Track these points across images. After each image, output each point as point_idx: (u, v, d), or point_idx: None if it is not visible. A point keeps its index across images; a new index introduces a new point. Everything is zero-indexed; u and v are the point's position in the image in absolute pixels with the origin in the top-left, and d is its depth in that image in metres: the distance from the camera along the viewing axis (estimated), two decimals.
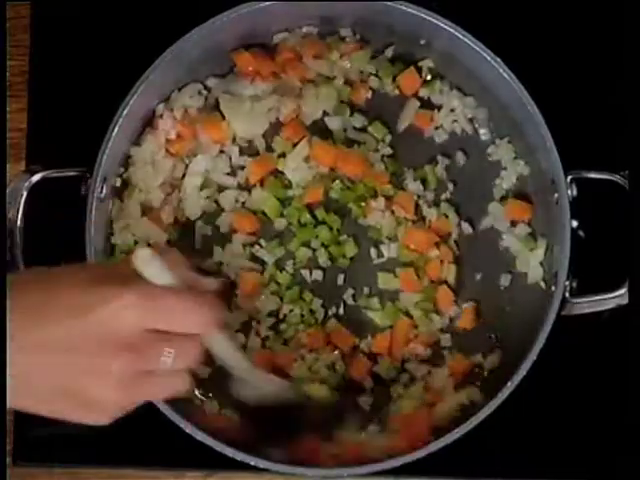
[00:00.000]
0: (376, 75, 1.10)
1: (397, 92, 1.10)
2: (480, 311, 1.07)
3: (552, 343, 0.98)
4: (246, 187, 1.09)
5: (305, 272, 1.08)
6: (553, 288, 1.01)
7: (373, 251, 1.08)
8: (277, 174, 1.09)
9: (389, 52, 1.10)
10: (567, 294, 1.00)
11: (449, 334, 1.07)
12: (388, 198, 1.08)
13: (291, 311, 1.07)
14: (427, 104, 1.10)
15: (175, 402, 0.99)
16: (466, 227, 1.08)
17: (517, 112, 1.05)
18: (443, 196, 1.09)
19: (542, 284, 1.05)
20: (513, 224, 1.08)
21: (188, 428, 0.98)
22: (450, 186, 1.09)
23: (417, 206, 1.08)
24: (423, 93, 1.10)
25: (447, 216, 1.08)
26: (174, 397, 0.85)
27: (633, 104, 0.94)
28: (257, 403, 0.94)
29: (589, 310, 1.01)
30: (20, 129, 1.12)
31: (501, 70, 1.03)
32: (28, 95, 1.13)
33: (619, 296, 0.99)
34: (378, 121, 1.10)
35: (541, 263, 1.06)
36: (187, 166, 1.09)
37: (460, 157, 1.09)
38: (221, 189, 1.09)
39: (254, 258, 1.08)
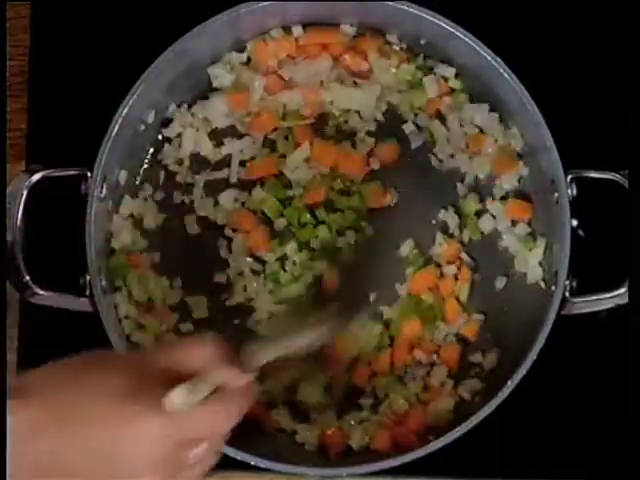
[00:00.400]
0: None
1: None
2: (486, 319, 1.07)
3: (552, 343, 0.98)
4: (246, 187, 1.09)
5: (306, 272, 1.08)
6: (553, 288, 1.01)
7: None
8: (277, 174, 1.09)
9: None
10: (567, 294, 1.00)
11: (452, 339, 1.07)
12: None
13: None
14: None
15: None
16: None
17: (517, 112, 1.05)
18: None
19: (542, 284, 1.05)
20: (513, 224, 1.08)
21: None
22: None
23: None
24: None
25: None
26: None
27: (633, 104, 0.94)
28: None
29: (589, 309, 1.01)
30: (20, 129, 1.12)
31: (501, 70, 1.03)
32: (28, 95, 1.13)
33: (619, 295, 0.99)
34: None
35: (540, 263, 1.06)
36: None
37: None
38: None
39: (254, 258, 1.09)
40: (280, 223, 1.08)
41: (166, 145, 1.10)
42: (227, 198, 1.09)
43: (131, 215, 1.08)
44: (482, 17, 1.08)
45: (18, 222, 1.00)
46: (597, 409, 1.06)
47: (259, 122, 1.09)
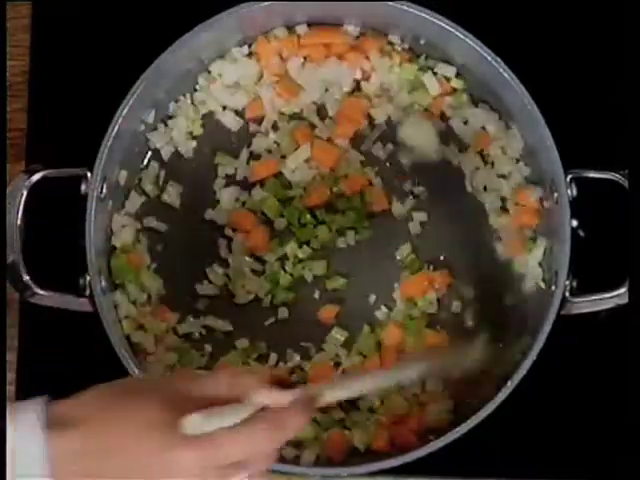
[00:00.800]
0: None
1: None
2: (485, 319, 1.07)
3: (552, 343, 0.98)
4: (246, 187, 1.09)
5: (307, 273, 1.08)
6: (553, 288, 1.01)
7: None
8: (278, 174, 1.09)
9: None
10: (567, 294, 1.00)
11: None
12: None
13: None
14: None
15: None
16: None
17: (517, 112, 1.05)
18: None
19: (542, 284, 1.05)
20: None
21: None
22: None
23: None
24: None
25: None
26: None
27: (633, 104, 0.94)
28: None
29: (589, 309, 1.01)
30: (20, 129, 1.12)
31: (501, 70, 1.03)
32: (28, 95, 1.13)
33: (619, 295, 0.99)
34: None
35: (540, 263, 1.06)
36: None
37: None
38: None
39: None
40: (280, 223, 1.08)
41: (165, 146, 1.10)
42: (227, 198, 1.09)
43: (135, 213, 1.08)
44: (482, 17, 1.08)
45: (18, 222, 1.00)
46: (597, 409, 1.06)
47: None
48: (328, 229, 1.08)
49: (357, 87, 1.10)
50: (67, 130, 1.11)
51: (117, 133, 1.03)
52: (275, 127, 1.10)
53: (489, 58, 1.03)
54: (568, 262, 0.99)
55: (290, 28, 1.09)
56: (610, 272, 1.00)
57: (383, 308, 1.07)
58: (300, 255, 1.08)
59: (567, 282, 0.99)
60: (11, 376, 1.06)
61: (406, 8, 1.04)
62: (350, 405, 1.05)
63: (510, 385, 0.98)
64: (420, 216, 1.09)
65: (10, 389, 1.06)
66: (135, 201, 1.09)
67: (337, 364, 1.06)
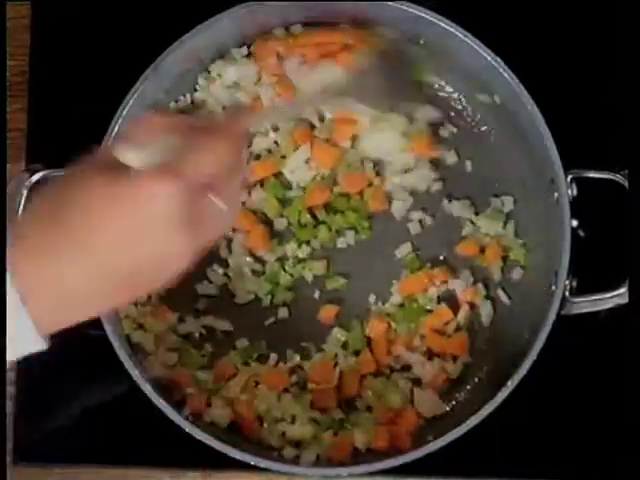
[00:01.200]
0: None
1: None
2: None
3: (552, 343, 0.98)
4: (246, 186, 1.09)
5: (307, 273, 1.08)
6: (553, 288, 1.01)
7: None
8: (277, 174, 1.09)
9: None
10: (567, 293, 1.00)
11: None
12: None
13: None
14: None
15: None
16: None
17: (517, 112, 1.05)
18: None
19: (542, 284, 1.05)
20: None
21: (188, 428, 0.98)
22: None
23: None
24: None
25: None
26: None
27: (633, 104, 0.94)
28: None
29: (589, 309, 1.01)
30: (20, 129, 1.12)
31: (501, 70, 1.03)
32: (28, 95, 1.13)
33: (619, 295, 0.99)
34: None
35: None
36: None
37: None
38: None
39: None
40: (280, 223, 1.08)
41: None
42: None
43: None
44: (482, 17, 1.08)
45: None
46: (597, 409, 1.06)
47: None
48: (328, 229, 1.08)
49: None
50: (67, 130, 1.11)
51: (117, 133, 1.03)
52: (275, 127, 1.10)
53: (489, 58, 1.03)
54: (568, 262, 0.99)
55: (287, 28, 1.09)
56: (610, 272, 1.00)
57: (381, 305, 1.07)
58: (300, 255, 1.08)
59: (567, 282, 0.99)
60: (11, 376, 1.06)
61: (406, 8, 1.04)
62: (348, 405, 1.05)
63: (510, 385, 0.98)
64: (420, 216, 1.09)
65: (10, 389, 1.06)
66: None
67: (337, 364, 1.07)
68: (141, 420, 1.04)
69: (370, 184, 1.09)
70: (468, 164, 1.10)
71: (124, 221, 0.76)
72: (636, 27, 0.96)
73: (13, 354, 0.78)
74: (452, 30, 1.04)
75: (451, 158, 1.10)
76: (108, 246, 0.76)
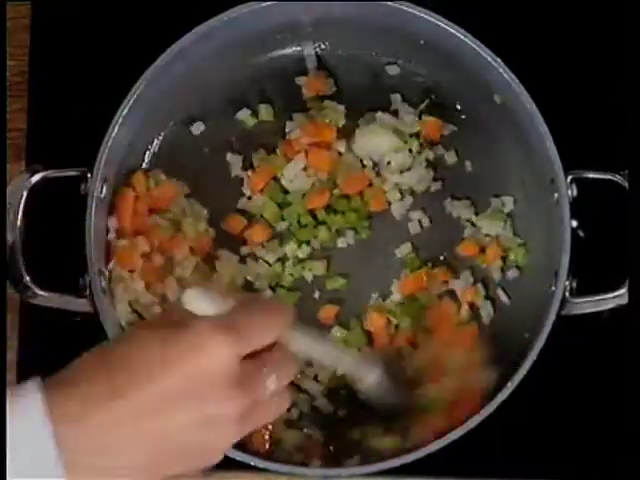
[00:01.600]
0: None
1: None
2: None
3: (552, 343, 0.98)
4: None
5: (307, 273, 1.08)
6: (553, 288, 1.01)
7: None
8: (277, 178, 1.09)
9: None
10: (567, 294, 1.00)
11: None
12: None
13: None
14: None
15: None
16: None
17: (517, 112, 1.05)
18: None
19: (542, 284, 1.05)
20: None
21: None
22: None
23: None
24: None
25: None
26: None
27: (633, 104, 0.94)
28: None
29: (589, 310, 1.01)
30: (20, 129, 1.12)
31: (501, 70, 1.03)
32: (28, 95, 1.13)
33: (619, 296, 0.99)
34: None
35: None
36: None
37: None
38: None
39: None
40: (280, 225, 1.08)
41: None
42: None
43: None
44: (482, 17, 1.08)
45: (18, 222, 1.00)
46: (597, 409, 1.06)
47: None
48: (328, 229, 1.08)
49: None
50: (67, 130, 1.11)
51: (117, 133, 1.03)
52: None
53: (489, 58, 1.03)
54: (568, 262, 0.99)
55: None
56: (610, 272, 1.00)
57: (381, 301, 1.08)
58: (300, 255, 1.08)
59: (567, 282, 0.99)
60: (11, 376, 1.06)
61: (406, 8, 1.04)
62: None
63: (510, 385, 0.98)
64: (419, 215, 1.09)
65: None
66: None
67: None
68: None
69: (370, 184, 1.09)
70: (468, 164, 1.10)
71: (178, 378, 0.73)
72: (636, 27, 0.96)
73: None
74: (452, 30, 1.04)
75: (451, 158, 1.10)
76: (160, 404, 0.73)
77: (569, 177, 1.01)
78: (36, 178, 1.02)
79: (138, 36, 1.12)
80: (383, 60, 1.11)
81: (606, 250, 1.05)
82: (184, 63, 1.07)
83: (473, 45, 1.03)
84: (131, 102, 1.03)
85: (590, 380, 1.07)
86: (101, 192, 1.03)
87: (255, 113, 1.11)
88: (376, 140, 1.08)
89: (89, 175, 1.02)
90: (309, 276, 1.08)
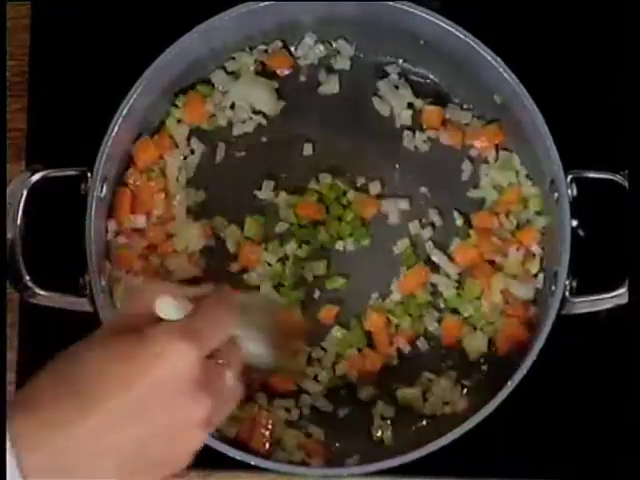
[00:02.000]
0: None
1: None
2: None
3: (552, 343, 0.98)
4: None
5: (307, 273, 1.08)
6: (553, 288, 1.01)
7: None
8: None
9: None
10: (567, 294, 1.00)
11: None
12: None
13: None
14: None
15: None
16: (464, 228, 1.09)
17: (517, 112, 1.05)
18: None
19: (542, 284, 1.05)
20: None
21: None
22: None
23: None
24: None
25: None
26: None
27: (633, 104, 0.94)
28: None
29: (589, 309, 1.01)
30: (20, 129, 1.12)
31: (501, 70, 1.03)
32: (28, 95, 1.13)
33: (619, 295, 0.99)
34: None
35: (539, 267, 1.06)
36: None
37: None
38: None
39: None
40: (281, 226, 1.08)
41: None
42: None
43: None
44: (482, 17, 1.08)
45: (18, 222, 1.00)
46: (597, 409, 1.06)
47: None
48: (327, 231, 1.08)
49: None
50: (67, 130, 1.11)
51: (117, 133, 1.03)
52: None
53: (489, 58, 1.03)
54: (568, 262, 0.99)
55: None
56: (610, 272, 1.00)
57: (380, 301, 1.08)
58: (300, 255, 1.08)
59: (567, 282, 0.99)
60: (11, 376, 1.06)
61: (406, 8, 1.04)
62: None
63: (510, 385, 0.98)
64: (417, 217, 1.09)
65: (10, 389, 1.06)
66: None
67: (337, 363, 1.07)
68: None
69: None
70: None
71: (144, 389, 0.74)
72: (636, 27, 0.96)
73: None
74: (452, 30, 1.04)
75: None
76: (128, 416, 0.74)
77: (569, 177, 1.01)
78: (36, 178, 1.02)
79: (138, 35, 1.12)
80: (383, 60, 1.11)
81: (606, 250, 1.05)
82: (184, 63, 1.07)
83: (473, 45, 1.03)
84: (131, 102, 1.03)
85: (590, 380, 1.07)
86: (101, 192, 1.03)
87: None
88: None
89: (89, 175, 1.02)
90: (309, 276, 1.08)
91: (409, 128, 1.10)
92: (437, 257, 1.07)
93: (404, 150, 1.10)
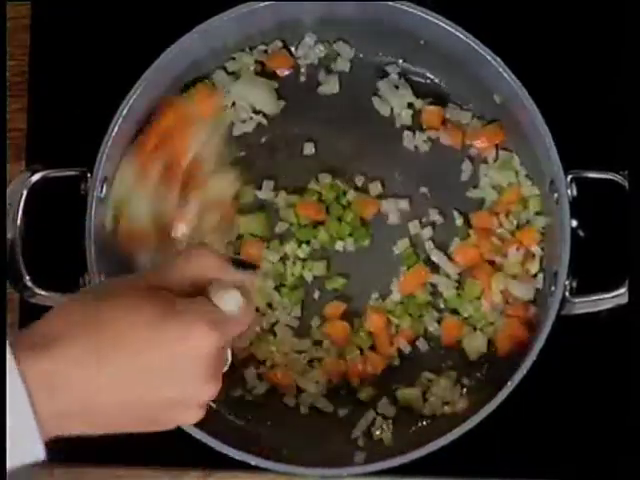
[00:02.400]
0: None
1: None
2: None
3: (552, 343, 0.98)
4: None
5: (307, 273, 1.08)
6: (553, 288, 1.01)
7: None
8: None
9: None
10: (567, 294, 1.00)
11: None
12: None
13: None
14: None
15: None
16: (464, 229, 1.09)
17: (517, 112, 1.05)
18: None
19: (542, 284, 1.05)
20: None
21: (188, 428, 0.98)
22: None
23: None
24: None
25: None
26: None
27: (633, 104, 0.94)
28: None
29: (589, 310, 1.01)
30: (20, 129, 1.12)
31: (501, 70, 1.03)
32: (28, 95, 1.13)
33: (619, 295, 0.99)
34: None
35: (539, 268, 1.06)
36: None
37: None
38: None
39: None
40: (281, 226, 1.08)
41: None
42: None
43: None
44: (482, 17, 1.08)
45: (18, 222, 1.00)
46: (597, 409, 1.06)
47: None
48: (327, 231, 1.08)
49: None
50: (67, 130, 1.11)
51: (117, 133, 1.03)
52: None
53: (489, 58, 1.03)
54: (568, 262, 0.99)
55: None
56: (610, 272, 1.00)
57: (381, 302, 1.08)
58: (300, 255, 1.08)
59: (567, 282, 0.99)
60: None
61: (406, 8, 1.04)
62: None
63: (510, 385, 0.98)
64: (417, 217, 1.09)
65: None
66: None
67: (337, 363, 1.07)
68: None
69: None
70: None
71: (165, 360, 0.76)
72: (636, 27, 0.96)
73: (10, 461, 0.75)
74: (452, 30, 1.04)
75: None
76: (144, 378, 0.76)
77: (569, 177, 1.01)
78: (36, 178, 1.02)
79: (138, 35, 1.12)
80: (383, 60, 1.11)
81: (606, 250, 1.05)
82: (184, 63, 1.07)
83: (473, 45, 1.03)
84: (131, 102, 1.03)
85: (590, 380, 1.07)
86: (101, 192, 1.03)
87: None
88: None
89: (89, 175, 1.02)
90: (309, 276, 1.08)
91: (409, 128, 1.10)
92: (437, 257, 1.07)
93: (404, 150, 1.10)
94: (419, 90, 1.11)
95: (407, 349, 1.06)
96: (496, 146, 1.09)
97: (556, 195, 1.02)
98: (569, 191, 1.01)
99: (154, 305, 0.77)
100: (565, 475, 1.06)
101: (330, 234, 1.08)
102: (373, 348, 1.07)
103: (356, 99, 1.11)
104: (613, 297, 1.00)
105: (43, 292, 1.01)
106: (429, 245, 1.08)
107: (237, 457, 0.98)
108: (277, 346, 1.07)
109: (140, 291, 0.79)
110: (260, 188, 1.09)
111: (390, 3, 1.04)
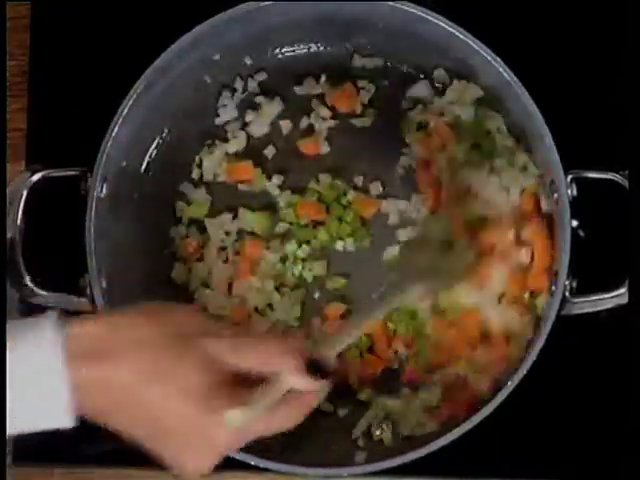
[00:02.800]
0: None
1: None
2: None
3: (552, 343, 0.98)
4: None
5: (307, 273, 1.08)
6: (553, 288, 1.01)
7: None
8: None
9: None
10: (567, 294, 1.00)
11: None
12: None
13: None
14: None
15: None
16: None
17: (517, 112, 1.05)
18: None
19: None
20: None
21: None
22: None
23: None
24: None
25: None
26: None
27: (633, 104, 0.94)
28: None
29: (589, 310, 1.00)
30: (20, 129, 1.13)
31: (501, 70, 1.03)
32: (28, 95, 1.13)
33: (619, 295, 0.99)
34: None
35: None
36: None
37: None
38: None
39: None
40: (281, 226, 1.09)
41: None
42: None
43: None
44: (482, 17, 1.08)
45: (18, 222, 1.00)
46: (597, 409, 1.06)
47: None
48: (327, 231, 1.08)
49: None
50: (67, 130, 1.11)
51: (117, 133, 1.03)
52: None
53: (489, 58, 1.03)
54: (568, 262, 0.99)
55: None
56: (610, 272, 1.00)
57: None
58: (300, 255, 1.08)
59: (567, 282, 0.99)
60: None
61: (406, 8, 1.04)
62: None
63: (510, 385, 0.98)
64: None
65: None
66: None
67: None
68: None
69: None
70: None
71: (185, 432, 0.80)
72: (636, 27, 0.96)
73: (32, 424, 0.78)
74: (452, 30, 1.04)
75: None
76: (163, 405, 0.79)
77: (569, 177, 1.01)
78: (36, 178, 1.02)
79: (138, 35, 1.12)
80: (383, 59, 1.11)
81: (606, 250, 1.05)
82: (184, 63, 1.07)
83: (473, 45, 1.03)
84: (131, 102, 1.03)
85: (590, 380, 1.07)
86: (101, 192, 1.03)
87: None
88: None
89: (89, 175, 1.02)
90: (309, 276, 1.08)
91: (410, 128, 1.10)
92: None
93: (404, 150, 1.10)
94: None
95: (405, 353, 1.06)
96: None
97: (556, 195, 1.02)
98: (569, 191, 1.01)
99: (200, 382, 0.79)
100: (565, 475, 1.06)
101: (330, 234, 1.08)
102: (371, 350, 1.07)
103: None
104: (613, 297, 1.00)
105: (43, 292, 1.01)
106: None
107: (237, 457, 0.98)
108: None
109: (202, 361, 0.79)
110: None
111: (390, 3, 1.04)
